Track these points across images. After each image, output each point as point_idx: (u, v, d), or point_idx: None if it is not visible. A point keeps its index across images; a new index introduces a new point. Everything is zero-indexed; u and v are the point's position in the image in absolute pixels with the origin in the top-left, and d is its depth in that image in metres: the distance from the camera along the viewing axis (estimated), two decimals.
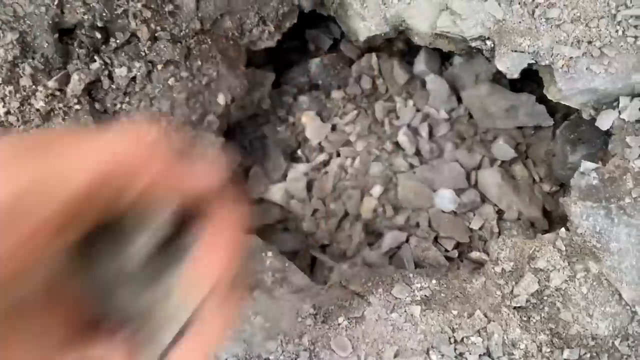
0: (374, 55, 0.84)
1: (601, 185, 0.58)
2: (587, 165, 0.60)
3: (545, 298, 0.54)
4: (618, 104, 0.59)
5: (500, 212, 0.70)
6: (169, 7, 0.70)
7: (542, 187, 0.74)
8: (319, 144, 0.79)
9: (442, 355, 0.52)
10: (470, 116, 0.78)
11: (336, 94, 0.83)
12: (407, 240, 0.72)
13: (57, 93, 0.66)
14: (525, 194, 0.70)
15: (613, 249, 0.55)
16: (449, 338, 0.53)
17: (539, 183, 0.74)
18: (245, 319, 0.51)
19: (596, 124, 0.60)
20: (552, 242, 0.57)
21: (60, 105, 0.67)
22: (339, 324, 0.53)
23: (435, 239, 0.72)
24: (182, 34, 0.71)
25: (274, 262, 0.58)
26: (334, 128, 0.80)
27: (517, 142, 0.77)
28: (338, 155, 0.79)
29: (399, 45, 0.87)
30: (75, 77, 0.68)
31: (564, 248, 0.57)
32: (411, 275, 0.59)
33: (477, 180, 0.73)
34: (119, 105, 0.70)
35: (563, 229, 0.58)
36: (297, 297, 0.55)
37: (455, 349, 0.52)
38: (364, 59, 0.83)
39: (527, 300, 0.54)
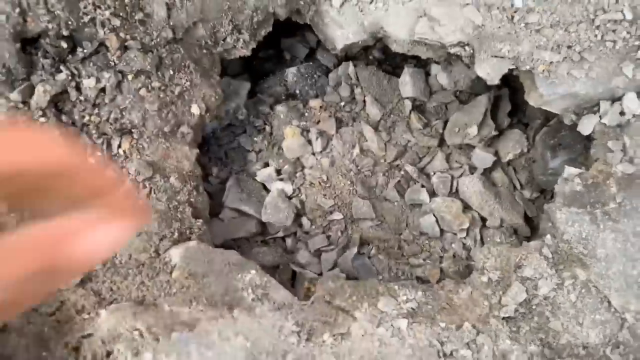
0: (350, 64, 0.83)
1: (585, 190, 0.58)
2: (570, 170, 0.59)
3: (534, 307, 0.53)
4: (599, 108, 0.59)
5: (483, 220, 0.69)
6: (139, 15, 0.67)
7: (522, 193, 0.74)
8: (298, 158, 0.77)
9: None
10: None
11: (314, 103, 0.82)
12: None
13: (21, 105, 0.63)
14: (507, 201, 0.69)
15: (600, 255, 0.54)
16: (438, 352, 0.51)
17: (520, 190, 0.74)
18: (225, 340, 0.49)
19: (578, 129, 0.60)
20: (538, 250, 0.56)
21: (24, 118, 0.63)
22: (324, 341, 0.51)
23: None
24: (153, 42, 0.69)
25: (254, 278, 0.56)
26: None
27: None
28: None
29: (375, 54, 0.86)
30: (39, 88, 0.65)
31: (550, 255, 0.56)
32: (397, 287, 0.57)
33: (457, 188, 0.72)
34: (87, 118, 0.67)
35: (549, 236, 0.57)
36: (279, 314, 0.52)
37: None
38: (341, 67, 0.81)
39: (516, 310, 0.53)
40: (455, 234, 0.72)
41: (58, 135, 0.25)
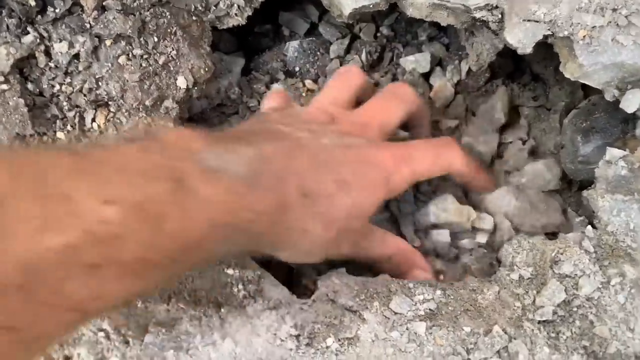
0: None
1: (631, 175, 0.50)
2: (613, 152, 0.52)
3: (575, 309, 0.45)
4: None
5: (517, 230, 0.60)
6: None
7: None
8: None
9: None
10: None
11: (309, 84, 0.74)
12: None
13: None
14: (542, 202, 0.61)
15: None
16: None
17: None
18: (210, 344, 0.40)
19: (620, 105, 0.52)
20: (577, 243, 0.48)
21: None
22: (327, 347, 0.43)
23: None
24: (135, 4, 0.61)
25: (245, 272, 0.47)
26: None
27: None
28: None
29: (383, 30, 0.78)
30: (2, 50, 0.56)
31: (592, 249, 0.48)
32: (411, 285, 0.49)
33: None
34: (57, 87, 0.59)
35: (590, 227, 0.49)
36: (275, 314, 0.44)
37: None
38: (345, 39, 0.74)
39: (554, 313, 0.45)
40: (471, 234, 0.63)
41: None
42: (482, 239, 0.61)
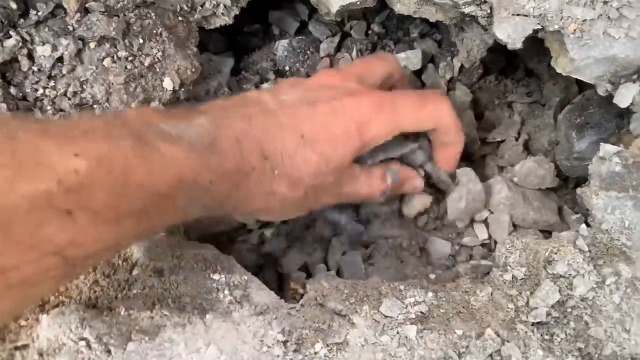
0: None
1: (626, 171, 0.49)
2: (607, 148, 0.50)
3: (569, 310, 0.44)
4: (639, 75, 0.50)
5: (514, 226, 0.59)
6: None
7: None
8: None
9: None
10: None
11: None
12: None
13: None
14: (536, 199, 0.60)
15: None
16: None
17: None
18: (194, 351, 0.39)
19: (614, 100, 0.51)
20: (571, 242, 0.47)
21: None
22: (315, 353, 0.42)
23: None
24: (119, 5, 0.60)
25: (231, 276, 0.46)
26: None
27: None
28: None
29: (374, 28, 0.77)
30: None
31: (586, 248, 0.47)
32: (402, 287, 0.48)
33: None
34: (41, 91, 0.58)
35: (584, 225, 0.48)
36: (261, 319, 0.43)
37: None
38: (335, 37, 0.73)
39: (548, 314, 0.44)
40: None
41: None
42: (482, 234, 0.60)
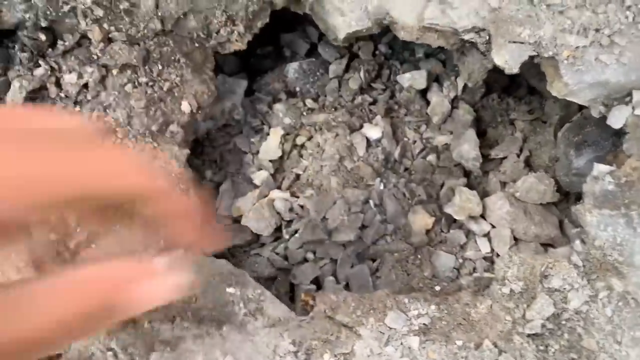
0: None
1: (618, 190, 0.51)
2: (600, 168, 0.53)
3: (563, 323, 0.47)
4: (631, 98, 0.52)
5: (516, 239, 0.62)
6: (124, 5, 0.62)
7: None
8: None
9: None
10: None
11: (312, 104, 0.76)
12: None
13: None
14: (537, 214, 0.62)
15: (638, 262, 0.47)
16: None
17: None
18: None
19: (607, 122, 0.53)
20: (566, 257, 0.50)
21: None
22: None
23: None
24: (139, 35, 0.63)
25: (246, 290, 0.50)
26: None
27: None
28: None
29: (381, 48, 0.80)
30: (15, 84, 0.60)
31: (580, 263, 0.49)
32: (407, 300, 0.51)
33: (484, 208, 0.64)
34: None
35: (578, 242, 0.51)
36: (274, 331, 0.46)
37: None
38: (343, 60, 0.76)
39: (543, 326, 0.46)
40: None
41: (136, 157, 0.26)
42: (485, 248, 0.63)
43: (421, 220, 0.64)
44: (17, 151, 0.24)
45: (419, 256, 0.64)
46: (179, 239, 0.27)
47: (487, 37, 0.55)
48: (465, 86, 0.74)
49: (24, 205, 0.23)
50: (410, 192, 0.66)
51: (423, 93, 0.75)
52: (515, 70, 0.54)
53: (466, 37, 0.56)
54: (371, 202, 0.67)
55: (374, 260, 0.64)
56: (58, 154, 0.24)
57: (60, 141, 0.25)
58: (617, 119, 0.53)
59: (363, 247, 0.64)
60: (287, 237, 0.66)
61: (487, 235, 0.65)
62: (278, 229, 0.68)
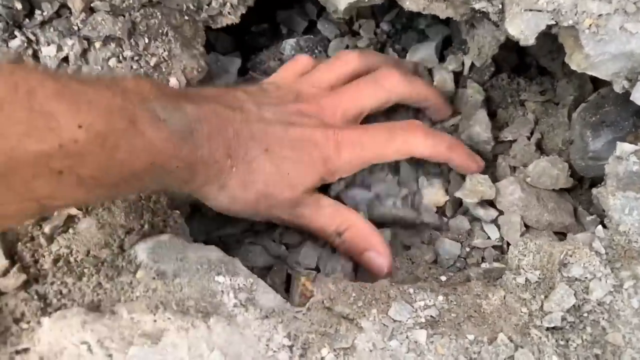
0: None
1: None
2: (624, 147, 0.49)
3: (585, 315, 0.43)
4: None
5: (527, 227, 0.58)
6: None
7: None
8: None
9: None
10: None
11: None
12: None
13: None
14: (552, 201, 0.58)
15: None
16: None
17: None
18: (197, 356, 0.38)
19: (631, 97, 0.49)
20: (587, 244, 0.46)
21: None
22: (322, 358, 0.41)
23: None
24: (124, 5, 0.59)
25: (236, 279, 0.45)
26: None
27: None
28: None
29: (383, 26, 0.76)
30: None
31: (603, 251, 0.45)
32: (412, 290, 0.47)
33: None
34: None
35: (600, 227, 0.47)
36: (267, 323, 0.42)
37: None
38: (345, 38, 0.71)
39: (563, 319, 0.42)
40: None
41: None
42: (494, 235, 0.59)
43: (435, 195, 0.60)
44: None
45: (424, 242, 0.60)
46: None
47: (501, 6, 0.51)
48: (472, 65, 0.69)
49: None
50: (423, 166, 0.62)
51: (429, 72, 0.71)
52: (531, 41, 0.50)
53: (477, 5, 0.51)
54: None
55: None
56: None
57: None
58: None
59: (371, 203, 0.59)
60: None
61: (495, 221, 0.60)
62: None
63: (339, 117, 0.54)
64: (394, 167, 0.60)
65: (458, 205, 0.62)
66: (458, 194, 0.59)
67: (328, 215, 0.54)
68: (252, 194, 0.49)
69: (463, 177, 0.60)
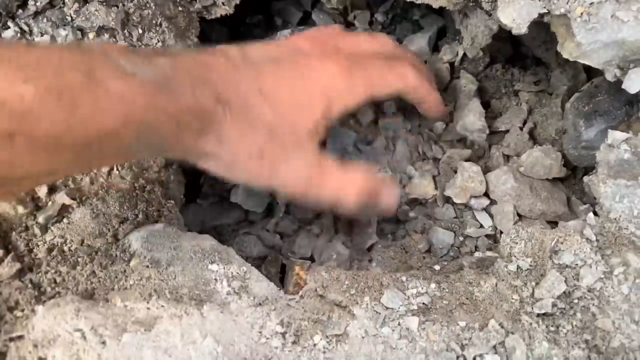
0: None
1: (635, 159, 0.47)
2: (615, 135, 0.49)
3: (575, 301, 0.43)
4: None
5: (520, 216, 0.58)
6: None
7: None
8: None
9: None
10: None
11: None
12: None
13: None
14: (545, 190, 0.58)
15: None
16: (457, 357, 0.41)
17: None
18: (190, 342, 0.39)
19: (623, 86, 0.49)
20: (578, 232, 0.46)
21: None
22: (314, 345, 0.41)
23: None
24: None
25: (230, 267, 0.45)
26: None
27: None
28: None
29: (378, 17, 0.76)
30: None
31: (594, 238, 0.45)
32: (404, 278, 0.47)
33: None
34: None
35: (591, 214, 0.47)
36: (260, 310, 0.43)
37: None
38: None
39: (554, 305, 0.43)
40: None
41: None
42: (487, 223, 0.59)
43: (425, 188, 0.60)
44: None
45: (417, 231, 0.60)
46: None
47: None
48: (464, 56, 0.69)
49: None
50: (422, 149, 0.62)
51: (424, 63, 0.71)
52: (523, 30, 0.50)
53: None
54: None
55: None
56: None
57: None
58: (634, 82, 0.48)
59: None
60: (282, 208, 0.62)
61: (486, 210, 0.61)
62: (270, 205, 0.64)
63: (343, 56, 0.49)
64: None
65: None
66: (448, 193, 0.59)
67: (339, 177, 0.48)
68: (255, 145, 0.42)
69: (454, 171, 0.60)
